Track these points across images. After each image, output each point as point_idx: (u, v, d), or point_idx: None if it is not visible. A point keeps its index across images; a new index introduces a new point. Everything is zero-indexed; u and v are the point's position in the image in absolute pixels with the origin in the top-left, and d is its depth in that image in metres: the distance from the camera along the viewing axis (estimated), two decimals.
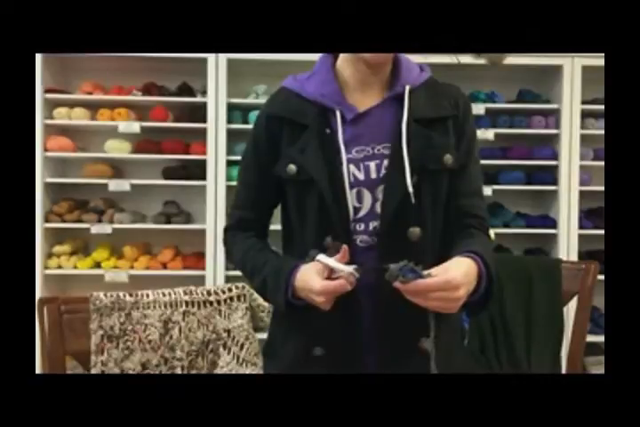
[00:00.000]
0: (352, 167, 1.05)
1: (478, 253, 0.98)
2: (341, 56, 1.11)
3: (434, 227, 1.07)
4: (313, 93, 1.08)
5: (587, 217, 2.81)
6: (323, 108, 1.07)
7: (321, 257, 0.97)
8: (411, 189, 1.02)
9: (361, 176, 1.05)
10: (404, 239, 1.04)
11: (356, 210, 1.05)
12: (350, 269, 0.93)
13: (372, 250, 1.05)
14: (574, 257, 2.72)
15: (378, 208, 1.05)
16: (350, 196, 1.04)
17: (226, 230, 1.20)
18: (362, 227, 1.06)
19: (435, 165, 1.05)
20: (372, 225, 1.05)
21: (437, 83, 1.13)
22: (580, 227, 2.75)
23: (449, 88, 1.13)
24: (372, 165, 1.06)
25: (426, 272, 0.90)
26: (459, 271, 0.91)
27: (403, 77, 1.08)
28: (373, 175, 1.05)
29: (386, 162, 1.05)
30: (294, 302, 1.00)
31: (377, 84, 1.10)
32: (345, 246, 0.96)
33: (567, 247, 2.74)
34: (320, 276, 0.94)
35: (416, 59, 1.15)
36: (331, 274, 0.95)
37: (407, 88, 1.07)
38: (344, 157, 1.04)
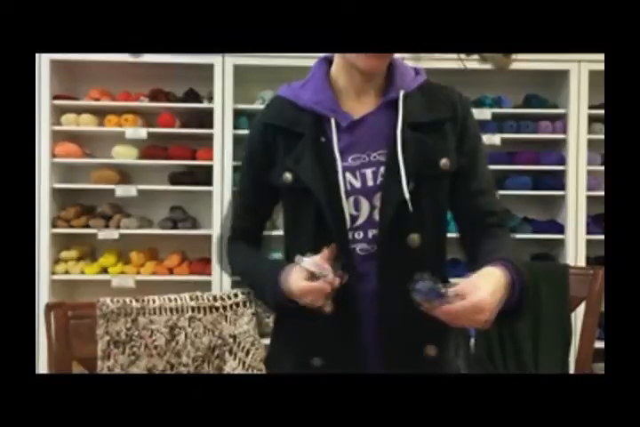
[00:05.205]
0: (348, 175, 1.05)
1: (510, 261, 0.94)
2: (335, 64, 1.10)
3: (434, 232, 1.06)
4: (307, 101, 1.07)
5: (594, 222, 2.78)
6: (317, 117, 1.06)
7: (304, 262, 0.96)
8: (407, 196, 1.01)
9: (357, 184, 1.05)
10: (403, 246, 1.03)
11: (354, 218, 1.05)
12: (330, 276, 0.93)
13: (373, 258, 1.04)
14: (582, 263, 2.70)
15: (376, 216, 1.04)
16: (347, 204, 1.04)
17: (228, 241, 1.21)
18: (361, 235, 1.05)
19: (431, 171, 1.04)
20: (370, 233, 1.05)
21: (433, 86, 1.11)
22: (588, 232, 2.73)
23: (445, 90, 1.11)
24: (369, 172, 1.05)
25: (451, 289, 0.87)
26: (487, 291, 0.87)
27: (397, 82, 1.07)
28: (370, 183, 1.05)
29: (382, 169, 1.04)
30: (286, 304, 1.00)
31: (372, 90, 1.09)
32: (333, 246, 0.96)
33: (575, 253, 2.72)
34: (299, 277, 0.95)
35: (421, 64, 1.14)
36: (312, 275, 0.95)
37: (401, 93, 1.06)
38: (339, 165, 1.04)
